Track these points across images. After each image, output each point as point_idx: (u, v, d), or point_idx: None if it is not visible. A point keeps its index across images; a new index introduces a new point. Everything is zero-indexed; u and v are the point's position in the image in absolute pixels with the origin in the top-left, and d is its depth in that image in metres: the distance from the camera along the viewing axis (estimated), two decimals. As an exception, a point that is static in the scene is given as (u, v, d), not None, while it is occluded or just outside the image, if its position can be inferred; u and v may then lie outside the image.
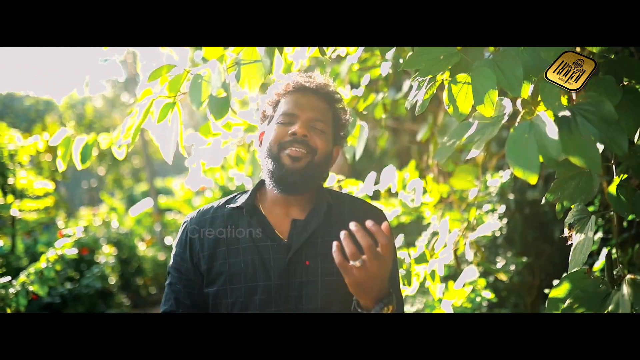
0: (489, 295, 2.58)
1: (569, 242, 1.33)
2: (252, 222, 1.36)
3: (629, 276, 1.11)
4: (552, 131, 0.97)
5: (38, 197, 5.32)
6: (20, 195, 5.02)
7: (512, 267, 2.87)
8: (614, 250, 2.31)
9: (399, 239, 1.95)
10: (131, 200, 12.20)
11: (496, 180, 2.95)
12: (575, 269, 1.24)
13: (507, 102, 1.16)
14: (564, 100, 1.12)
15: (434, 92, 1.24)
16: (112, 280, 6.52)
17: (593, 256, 2.43)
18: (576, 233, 1.31)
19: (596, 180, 1.25)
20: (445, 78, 1.27)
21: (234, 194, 1.46)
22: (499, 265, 2.91)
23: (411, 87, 1.31)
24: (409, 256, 1.86)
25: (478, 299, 2.57)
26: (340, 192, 1.51)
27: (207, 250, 1.34)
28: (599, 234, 2.33)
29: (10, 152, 4.80)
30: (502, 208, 2.97)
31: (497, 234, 2.99)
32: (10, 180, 4.85)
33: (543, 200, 1.35)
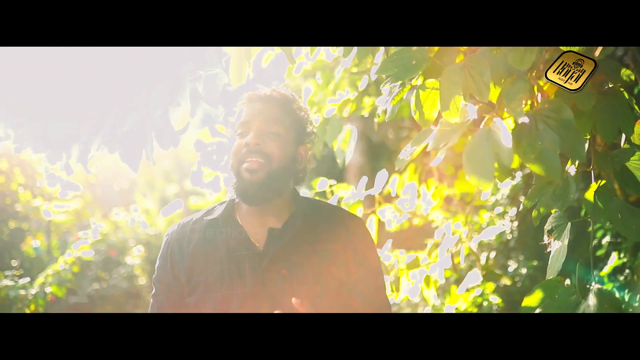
0: (496, 299, 2.54)
1: (548, 249, 1.30)
2: (228, 232, 1.38)
3: (596, 286, 1.07)
4: (507, 139, 0.95)
5: (67, 200, 5.48)
6: (49, 197, 5.18)
7: (524, 271, 2.81)
8: (622, 254, 2.24)
9: (387, 245, 1.93)
10: (164, 202, 12.43)
11: (507, 182, 2.90)
12: (550, 277, 1.21)
13: (471, 107, 1.14)
14: (527, 107, 1.09)
15: (403, 97, 1.23)
16: (142, 280, 6.66)
17: (603, 260, 2.36)
18: (554, 240, 1.28)
19: (572, 187, 1.22)
20: (419, 83, 1.25)
21: (214, 205, 1.47)
22: (510, 269, 2.85)
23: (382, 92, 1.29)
24: (398, 262, 1.84)
25: (485, 304, 2.53)
26: (318, 200, 1.52)
27: (186, 262, 1.37)
28: (607, 238, 2.26)
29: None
30: (513, 211, 2.91)
31: (509, 236, 2.93)
32: (40, 183, 5.01)
33: (520, 207, 1.32)
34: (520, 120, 1.02)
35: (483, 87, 1.12)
